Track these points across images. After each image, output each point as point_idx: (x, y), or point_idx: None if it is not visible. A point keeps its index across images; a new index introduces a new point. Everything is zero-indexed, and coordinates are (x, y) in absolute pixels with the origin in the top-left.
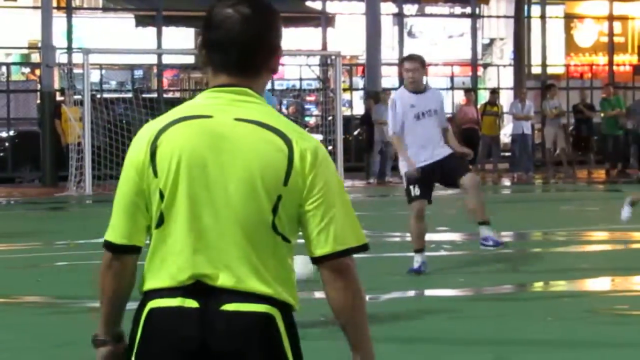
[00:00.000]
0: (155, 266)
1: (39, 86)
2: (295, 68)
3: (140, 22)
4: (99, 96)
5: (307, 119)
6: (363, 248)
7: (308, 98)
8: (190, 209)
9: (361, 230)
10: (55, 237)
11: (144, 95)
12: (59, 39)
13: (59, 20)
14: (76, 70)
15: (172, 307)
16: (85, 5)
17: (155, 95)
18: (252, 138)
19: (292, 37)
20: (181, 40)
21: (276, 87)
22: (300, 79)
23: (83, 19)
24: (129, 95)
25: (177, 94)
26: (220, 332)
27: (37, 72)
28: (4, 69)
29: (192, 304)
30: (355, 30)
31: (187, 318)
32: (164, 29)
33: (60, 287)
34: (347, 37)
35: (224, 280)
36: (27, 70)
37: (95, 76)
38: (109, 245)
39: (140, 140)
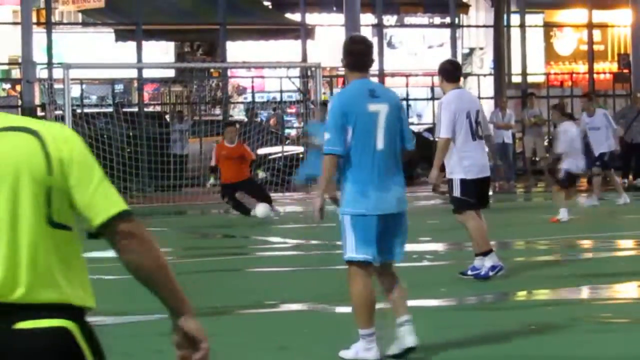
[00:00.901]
0: None
1: (19, 102)
2: (275, 80)
3: (120, 36)
4: (79, 111)
5: (287, 130)
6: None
7: (289, 110)
8: None
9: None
10: None
11: (124, 110)
12: (39, 55)
13: (39, 36)
14: (57, 86)
15: None
16: (64, 21)
17: (136, 109)
18: (1, 146)
19: (271, 50)
20: (161, 54)
21: (257, 100)
22: (281, 91)
23: (63, 34)
24: (110, 109)
25: (158, 108)
26: (17, 353)
27: (18, 87)
28: None
29: None
30: (335, 42)
31: None
32: (144, 43)
33: None
34: (327, 49)
35: (14, 293)
36: (7, 86)
37: (76, 91)
38: None
39: None
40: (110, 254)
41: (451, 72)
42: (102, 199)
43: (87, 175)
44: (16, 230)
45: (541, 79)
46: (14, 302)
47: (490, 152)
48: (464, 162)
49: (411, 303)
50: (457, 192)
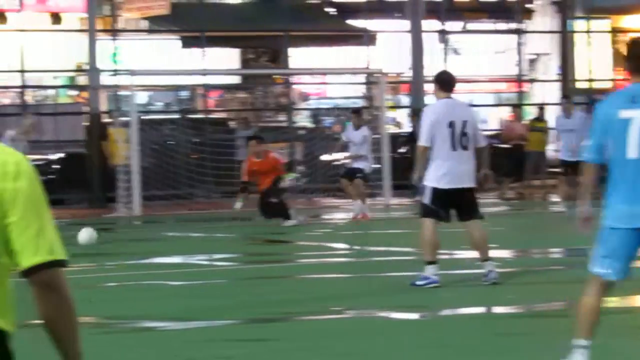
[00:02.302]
0: None
1: (86, 108)
2: (338, 86)
3: (185, 43)
4: (145, 117)
5: None
6: (65, 263)
7: None
8: None
9: (63, 246)
10: (105, 257)
11: (189, 116)
12: (105, 61)
13: (105, 43)
14: (122, 92)
15: None
16: (130, 28)
17: (201, 115)
18: None
19: (334, 56)
20: (226, 61)
21: (320, 106)
22: (345, 98)
23: (129, 41)
24: (175, 116)
25: (223, 115)
26: None
27: (84, 94)
28: (51, 91)
29: None
30: (397, 48)
31: None
32: (209, 49)
33: (110, 308)
34: (389, 55)
35: None
36: (74, 92)
37: (141, 97)
38: None
39: None
40: (175, 260)
41: (446, 82)
42: (34, 244)
43: (29, 217)
44: None
45: (608, 84)
46: None
47: (481, 163)
48: (439, 171)
49: (468, 310)
50: (426, 199)
